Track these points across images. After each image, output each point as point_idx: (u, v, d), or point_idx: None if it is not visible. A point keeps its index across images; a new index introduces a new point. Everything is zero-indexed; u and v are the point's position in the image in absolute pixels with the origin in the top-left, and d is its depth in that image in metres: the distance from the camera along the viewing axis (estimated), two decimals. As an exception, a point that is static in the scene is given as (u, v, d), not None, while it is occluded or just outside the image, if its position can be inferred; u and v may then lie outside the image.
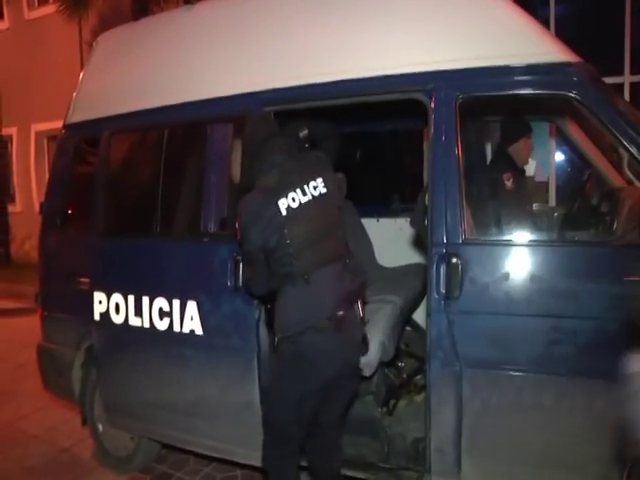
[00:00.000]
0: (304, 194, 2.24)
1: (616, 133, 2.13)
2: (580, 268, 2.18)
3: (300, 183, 2.25)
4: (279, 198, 2.21)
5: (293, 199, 2.22)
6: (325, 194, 2.28)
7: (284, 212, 2.20)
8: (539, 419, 2.20)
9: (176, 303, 2.87)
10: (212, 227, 2.94)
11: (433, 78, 2.38)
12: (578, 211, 3.06)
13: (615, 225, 2.41)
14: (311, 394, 2.28)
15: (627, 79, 6.30)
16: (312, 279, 2.19)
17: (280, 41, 2.81)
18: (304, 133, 3.16)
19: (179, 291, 2.90)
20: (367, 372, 2.75)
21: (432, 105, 2.37)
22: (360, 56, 2.57)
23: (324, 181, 2.29)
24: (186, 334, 2.85)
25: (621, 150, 2.22)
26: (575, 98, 2.19)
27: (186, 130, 3.17)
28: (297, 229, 2.21)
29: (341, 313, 2.19)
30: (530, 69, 2.25)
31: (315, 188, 2.26)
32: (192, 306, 2.82)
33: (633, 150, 2.10)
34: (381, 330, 2.84)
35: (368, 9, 2.61)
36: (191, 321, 2.82)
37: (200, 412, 2.90)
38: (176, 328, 2.88)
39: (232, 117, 2.91)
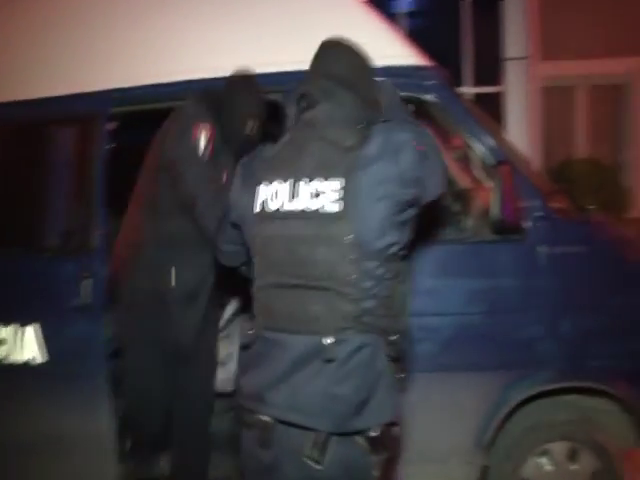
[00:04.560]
0: (293, 196, 1.29)
1: (470, 136, 2.24)
2: (438, 265, 2.24)
3: (292, 174, 1.31)
4: (263, 180, 1.36)
5: (276, 194, 1.31)
6: (334, 216, 1.24)
7: (257, 207, 1.35)
8: (410, 416, 2.21)
9: (12, 329, 2.52)
10: (55, 240, 2.63)
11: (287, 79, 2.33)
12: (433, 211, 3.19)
13: (467, 224, 2.52)
14: None
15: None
16: (259, 342, 1.35)
17: (129, 37, 2.61)
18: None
19: (16, 314, 2.54)
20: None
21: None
22: (208, 55, 2.47)
23: (345, 190, 1.24)
24: (24, 363, 2.49)
25: (472, 152, 2.32)
26: (431, 101, 2.25)
27: (22, 132, 2.81)
28: (265, 249, 1.35)
29: (268, 419, 1.28)
30: (385, 71, 2.27)
31: (317, 196, 1.26)
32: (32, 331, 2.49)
33: (484, 151, 2.21)
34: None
35: (220, 7, 2.55)
36: (31, 348, 2.48)
37: (47, 451, 2.55)
38: (14, 357, 2.52)
39: (75, 118, 2.65)
